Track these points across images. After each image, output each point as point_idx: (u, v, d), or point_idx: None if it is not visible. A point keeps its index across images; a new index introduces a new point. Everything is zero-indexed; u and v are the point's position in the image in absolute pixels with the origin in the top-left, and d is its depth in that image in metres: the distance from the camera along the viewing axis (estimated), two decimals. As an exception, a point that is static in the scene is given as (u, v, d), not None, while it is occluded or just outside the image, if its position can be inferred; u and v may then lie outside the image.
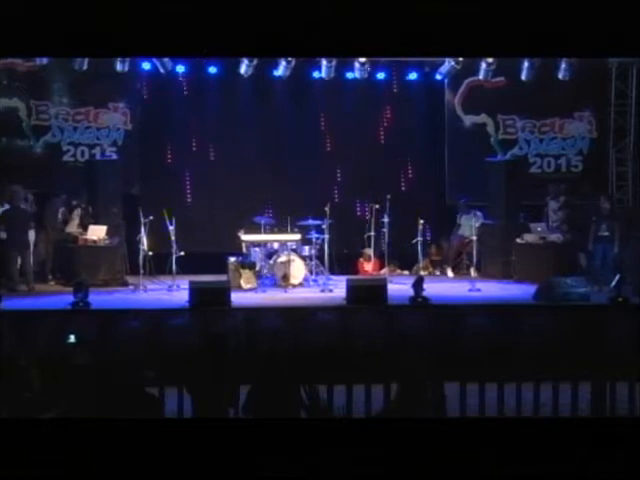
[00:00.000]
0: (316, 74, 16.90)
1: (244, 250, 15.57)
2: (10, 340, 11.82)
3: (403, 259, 16.91)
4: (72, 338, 9.18)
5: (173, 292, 14.51)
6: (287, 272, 14.98)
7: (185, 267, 15.22)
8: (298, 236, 15.58)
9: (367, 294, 13.51)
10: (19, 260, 14.74)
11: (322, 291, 14.79)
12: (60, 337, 11.36)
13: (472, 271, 16.24)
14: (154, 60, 16.36)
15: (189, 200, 17.29)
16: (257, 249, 15.49)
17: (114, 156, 16.63)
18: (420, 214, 16.31)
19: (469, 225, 16.57)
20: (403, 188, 17.47)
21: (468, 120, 17.60)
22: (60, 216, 15.78)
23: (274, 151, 17.28)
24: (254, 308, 13.46)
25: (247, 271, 15.09)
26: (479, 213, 16.51)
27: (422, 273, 15.56)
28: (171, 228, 14.96)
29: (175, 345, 12.05)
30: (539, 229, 15.89)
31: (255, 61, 16.32)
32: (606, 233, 15.19)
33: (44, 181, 16.36)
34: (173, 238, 14.96)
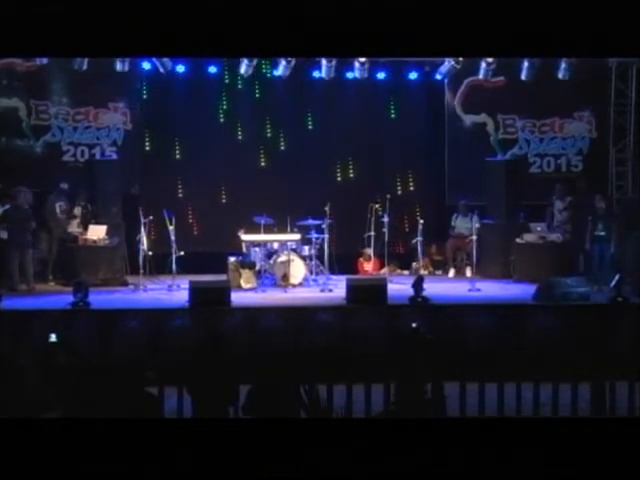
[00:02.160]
0: (316, 74, 16.89)
1: (244, 250, 15.56)
2: (10, 340, 11.83)
3: (403, 259, 16.91)
4: (53, 337, 9.08)
5: (173, 292, 14.52)
6: (287, 272, 14.98)
7: (185, 267, 15.23)
8: (298, 236, 15.58)
9: (367, 294, 13.51)
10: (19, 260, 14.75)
11: (322, 291, 14.79)
12: (60, 337, 11.35)
13: (468, 270, 16.19)
14: (154, 60, 16.35)
15: (189, 200, 17.25)
16: (257, 249, 15.48)
17: (114, 156, 16.64)
18: (420, 214, 16.27)
19: (464, 227, 16.52)
20: (403, 188, 17.44)
21: (468, 120, 17.57)
22: (59, 210, 15.77)
23: (274, 151, 17.27)
24: (254, 308, 13.46)
25: (247, 271, 15.09)
26: (475, 217, 16.42)
27: (422, 273, 15.56)
28: (171, 228, 14.98)
29: (175, 345, 12.07)
30: (539, 229, 15.89)
31: (255, 61, 16.33)
32: (602, 233, 15.17)
33: (44, 181, 16.34)
34: (173, 238, 14.98)
